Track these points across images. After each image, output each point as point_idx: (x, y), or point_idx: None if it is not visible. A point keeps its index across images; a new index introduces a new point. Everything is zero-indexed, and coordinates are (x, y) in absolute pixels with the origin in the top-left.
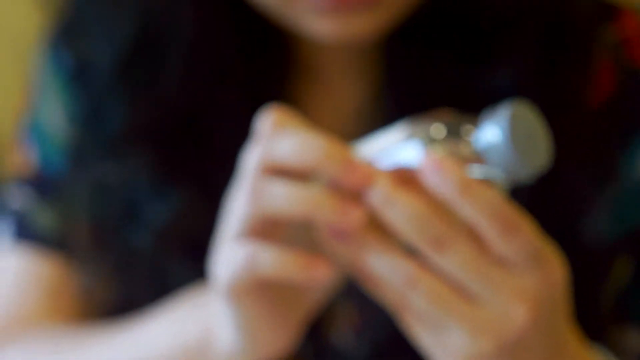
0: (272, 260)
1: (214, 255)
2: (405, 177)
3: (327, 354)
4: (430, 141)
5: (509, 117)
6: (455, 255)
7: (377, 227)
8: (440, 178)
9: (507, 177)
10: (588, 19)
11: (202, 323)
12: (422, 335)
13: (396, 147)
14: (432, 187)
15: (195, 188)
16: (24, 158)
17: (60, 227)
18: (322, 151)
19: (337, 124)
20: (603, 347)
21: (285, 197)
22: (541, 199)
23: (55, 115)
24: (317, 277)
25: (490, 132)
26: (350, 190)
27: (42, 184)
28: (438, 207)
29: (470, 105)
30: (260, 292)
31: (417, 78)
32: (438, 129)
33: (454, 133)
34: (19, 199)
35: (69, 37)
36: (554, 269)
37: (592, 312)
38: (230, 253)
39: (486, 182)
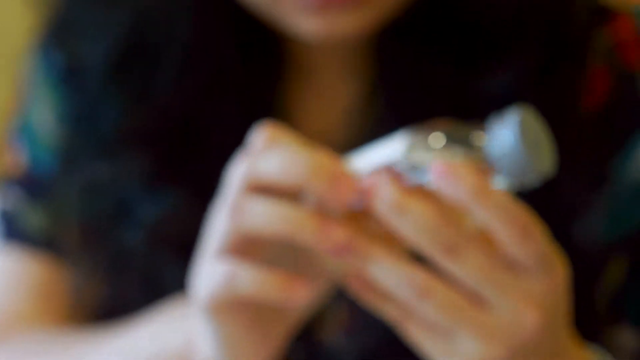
0: (250, 280)
1: (195, 269)
2: (409, 186)
3: (318, 355)
4: (431, 150)
5: (519, 122)
6: (467, 262)
7: (380, 237)
8: (453, 182)
9: (515, 183)
10: (584, 21)
11: (184, 334)
12: (427, 343)
13: (396, 156)
14: (445, 191)
15: (188, 189)
16: (14, 158)
17: (50, 227)
18: (308, 168)
19: (330, 123)
20: (599, 347)
21: (265, 216)
22: (537, 202)
23: (46, 116)
24: (296, 299)
25: (502, 138)
26: (338, 208)
27: (32, 185)
28: (448, 214)
29: (465, 106)
30: (239, 308)
31: (410, 78)
32: (437, 138)
33: (454, 142)
34: (8, 199)
35: (61, 38)
36: (559, 273)
37: (588, 313)
38: (210, 269)
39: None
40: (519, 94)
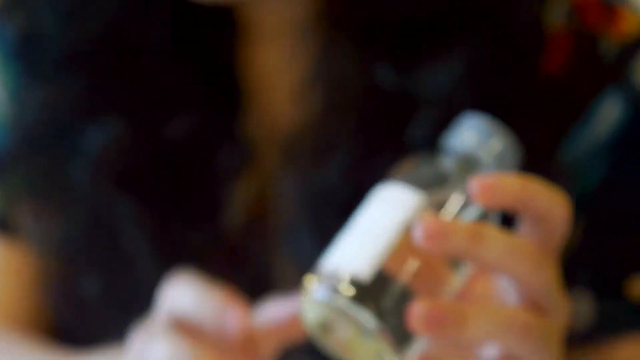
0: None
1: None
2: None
3: None
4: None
5: (489, 124)
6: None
7: None
8: (446, 242)
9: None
10: None
11: None
12: None
13: (386, 216)
14: (444, 253)
15: (130, 120)
16: None
17: (6, 207)
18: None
19: (284, 82)
20: None
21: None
22: None
23: None
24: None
25: (493, 143)
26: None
27: None
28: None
29: (410, 98)
30: None
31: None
32: (413, 188)
33: (433, 178)
34: None
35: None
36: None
37: None
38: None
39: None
40: (474, 75)
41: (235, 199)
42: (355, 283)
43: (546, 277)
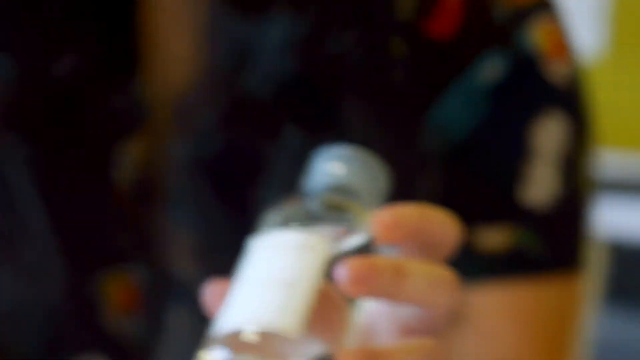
0: None
1: None
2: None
3: (164, 281)
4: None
5: (353, 152)
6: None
7: None
8: (373, 283)
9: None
10: None
11: None
12: None
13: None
14: (368, 294)
15: (19, 56)
16: None
17: None
18: None
19: (178, 42)
20: None
21: None
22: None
23: None
24: None
25: (361, 169)
26: None
27: None
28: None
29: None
30: None
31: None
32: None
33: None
34: None
35: None
36: None
37: None
38: None
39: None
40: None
41: (126, 157)
42: (282, 339)
43: (455, 303)
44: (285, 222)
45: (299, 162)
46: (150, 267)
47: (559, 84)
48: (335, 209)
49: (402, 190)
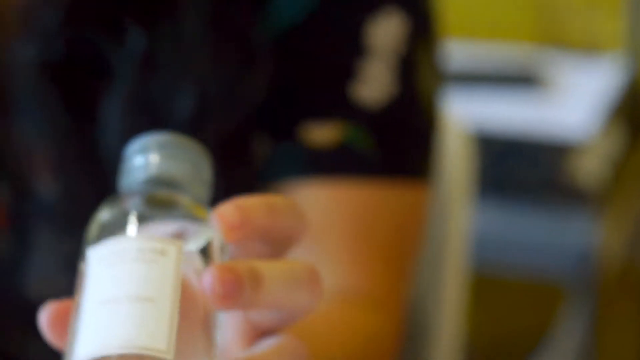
0: None
1: None
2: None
3: (24, 196)
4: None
5: (170, 140)
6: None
7: None
8: (242, 293)
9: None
10: None
11: None
12: None
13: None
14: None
15: None
16: None
17: None
18: None
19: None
20: None
21: None
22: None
23: None
24: None
25: (181, 159)
26: None
27: None
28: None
29: None
30: None
31: None
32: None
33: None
34: None
35: None
36: None
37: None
38: None
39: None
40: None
41: None
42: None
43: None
44: (110, 229)
45: (142, 64)
46: (11, 182)
47: None
48: (161, 205)
49: (232, 88)
